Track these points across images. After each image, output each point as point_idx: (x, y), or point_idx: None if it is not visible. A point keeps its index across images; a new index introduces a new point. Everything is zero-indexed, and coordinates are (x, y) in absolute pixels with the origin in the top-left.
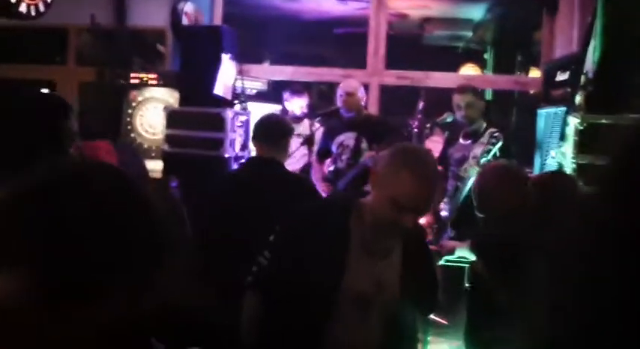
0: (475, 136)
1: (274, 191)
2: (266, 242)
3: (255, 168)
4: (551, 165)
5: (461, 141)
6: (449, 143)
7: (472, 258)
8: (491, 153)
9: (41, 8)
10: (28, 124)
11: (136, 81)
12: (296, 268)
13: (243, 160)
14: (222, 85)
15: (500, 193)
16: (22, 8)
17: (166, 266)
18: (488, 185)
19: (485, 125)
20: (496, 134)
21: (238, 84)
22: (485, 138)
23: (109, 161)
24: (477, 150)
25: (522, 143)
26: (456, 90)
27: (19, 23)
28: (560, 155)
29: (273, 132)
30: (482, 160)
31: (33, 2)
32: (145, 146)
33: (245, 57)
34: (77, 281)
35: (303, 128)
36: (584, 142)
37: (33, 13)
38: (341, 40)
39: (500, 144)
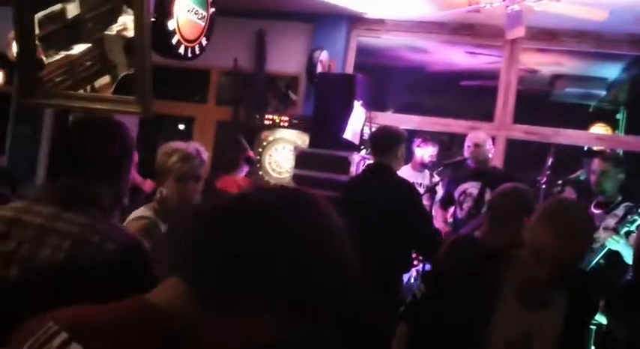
0: (608, 207)
1: (380, 192)
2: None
3: (367, 173)
4: None
5: (592, 209)
6: None
7: (602, 320)
8: (636, 223)
9: (197, 51)
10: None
11: (269, 122)
12: (446, 311)
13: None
14: (352, 130)
15: None
16: (181, 50)
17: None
18: None
19: (620, 198)
20: None
21: (366, 130)
22: (620, 211)
23: None
24: (610, 221)
25: None
26: (598, 155)
27: (168, 62)
28: None
29: (383, 142)
30: (624, 230)
31: (190, 45)
32: (272, 184)
33: (372, 104)
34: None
35: (424, 178)
36: None
37: (189, 54)
38: (467, 93)
39: None
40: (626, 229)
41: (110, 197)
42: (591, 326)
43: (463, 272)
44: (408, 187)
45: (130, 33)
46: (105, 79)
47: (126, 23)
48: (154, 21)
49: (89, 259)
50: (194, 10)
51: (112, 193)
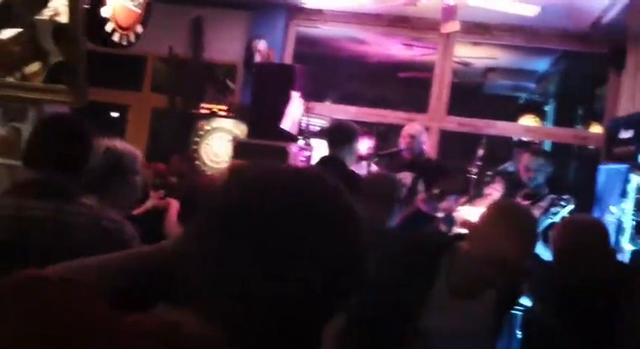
0: (535, 199)
1: None
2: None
3: (319, 165)
4: (610, 220)
5: (519, 201)
6: None
7: (527, 303)
8: (559, 215)
9: (132, 38)
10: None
11: (206, 111)
12: (381, 293)
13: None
14: (290, 121)
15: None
16: (116, 38)
17: None
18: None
19: (547, 190)
20: (566, 197)
21: (303, 120)
22: (545, 203)
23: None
24: (536, 212)
25: (579, 196)
26: (528, 151)
27: (102, 49)
28: (620, 211)
29: (338, 136)
30: (547, 222)
31: (125, 33)
32: (209, 174)
33: (309, 94)
34: None
35: (360, 169)
36: None
37: (124, 42)
38: (404, 83)
39: (571, 207)
40: (550, 220)
41: (76, 187)
42: (517, 312)
43: (394, 266)
44: (359, 180)
45: (62, 18)
46: (35, 66)
47: (58, 8)
48: (87, 8)
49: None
50: None
51: (77, 184)
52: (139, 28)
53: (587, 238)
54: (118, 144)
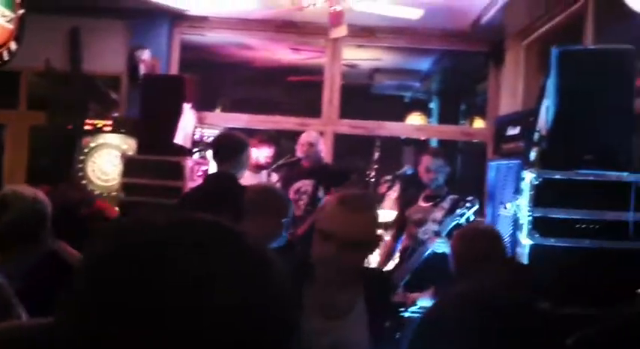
0: (435, 200)
1: (216, 203)
2: None
3: (209, 182)
4: (504, 216)
5: (421, 203)
6: (407, 204)
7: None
8: (465, 216)
9: (5, 56)
10: None
11: (90, 127)
12: None
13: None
14: (183, 134)
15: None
16: None
17: None
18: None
19: (446, 190)
20: (470, 198)
21: (197, 132)
22: (446, 203)
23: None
24: (438, 214)
25: (468, 191)
26: (428, 152)
27: None
28: (515, 207)
29: (226, 149)
30: (452, 224)
31: None
32: (97, 193)
33: (200, 104)
34: None
35: (260, 179)
36: (540, 196)
37: None
38: (293, 87)
39: (476, 208)
40: (455, 222)
41: None
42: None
43: None
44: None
45: None
46: None
47: None
48: None
49: None
50: (0, 13)
51: None
52: (13, 45)
53: (483, 246)
54: (37, 192)
